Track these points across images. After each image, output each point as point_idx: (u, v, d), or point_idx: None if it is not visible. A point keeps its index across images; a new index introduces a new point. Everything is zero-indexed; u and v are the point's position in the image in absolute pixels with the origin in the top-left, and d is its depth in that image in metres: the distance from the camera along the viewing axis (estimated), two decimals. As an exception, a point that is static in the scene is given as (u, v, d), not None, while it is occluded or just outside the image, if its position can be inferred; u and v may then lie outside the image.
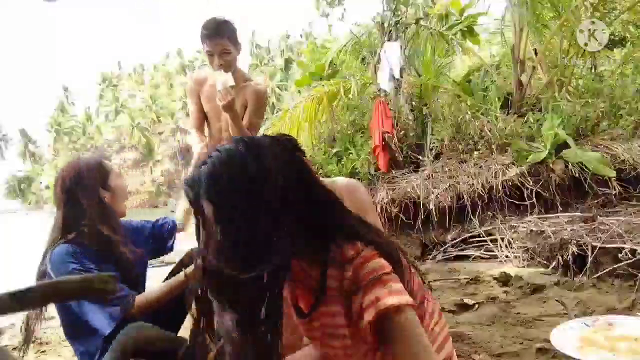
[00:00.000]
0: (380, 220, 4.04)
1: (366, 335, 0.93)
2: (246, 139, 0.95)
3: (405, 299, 0.91)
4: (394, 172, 4.98)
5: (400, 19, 5.61)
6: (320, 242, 0.98)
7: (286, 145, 0.97)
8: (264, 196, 0.89)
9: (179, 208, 2.14)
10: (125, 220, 1.92)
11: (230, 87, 2.37)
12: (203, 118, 2.69)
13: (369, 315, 0.90)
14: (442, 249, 4.28)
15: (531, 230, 3.72)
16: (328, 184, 1.93)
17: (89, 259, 1.66)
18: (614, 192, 3.92)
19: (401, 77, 5.29)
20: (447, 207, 4.30)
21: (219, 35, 2.45)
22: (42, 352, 2.60)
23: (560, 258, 3.26)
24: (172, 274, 1.83)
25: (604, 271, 2.97)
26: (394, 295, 0.90)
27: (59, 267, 1.62)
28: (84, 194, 1.69)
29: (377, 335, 0.93)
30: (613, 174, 3.89)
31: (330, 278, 0.98)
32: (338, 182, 1.93)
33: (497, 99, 5.16)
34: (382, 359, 0.97)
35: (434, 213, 4.33)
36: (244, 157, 0.91)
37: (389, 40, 5.44)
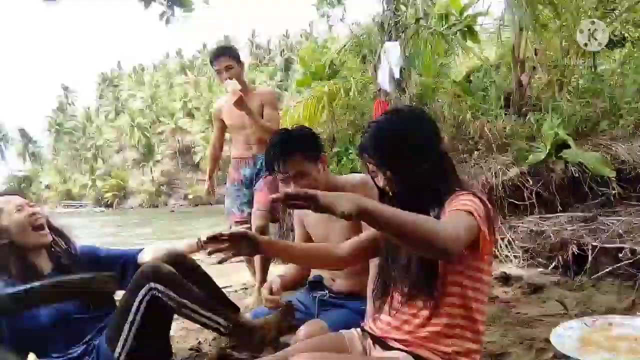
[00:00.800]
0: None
1: None
2: (406, 109, 1.40)
3: (478, 217, 1.14)
4: (394, 172, 4.97)
5: (400, 19, 5.61)
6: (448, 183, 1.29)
7: (431, 118, 1.39)
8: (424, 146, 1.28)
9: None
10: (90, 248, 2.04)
11: (237, 90, 2.88)
12: (222, 137, 3.42)
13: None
14: (442, 249, 4.26)
15: (531, 230, 3.72)
16: (342, 181, 1.99)
17: None
18: (613, 192, 3.91)
19: (401, 77, 5.29)
20: (447, 207, 4.29)
21: (223, 55, 3.06)
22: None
23: (560, 258, 3.25)
24: None
25: (604, 271, 2.97)
26: (471, 207, 1.15)
27: None
28: None
29: None
30: (613, 174, 3.88)
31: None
32: (352, 179, 1.93)
33: (497, 99, 5.16)
34: None
35: (434, 213, 4.32)
36: (411, 122, 1.32)
37: (389, 40, 5.43)
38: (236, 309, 1.89)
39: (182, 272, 1.78)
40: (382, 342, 1.31)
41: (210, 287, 1.90)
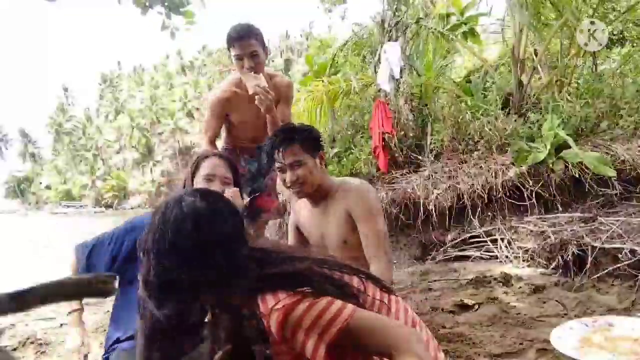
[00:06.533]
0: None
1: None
2: (193, 200, 1.06)
3: (344, 312, 0.95)
4: (394, 173, 4.98)
5: (401, 18, 5.60)
6: (246, 293, 1.03)
7: (223, 209, 1.08)
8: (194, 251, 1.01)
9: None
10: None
11: (265, 89, 2.35)
12: (219, 132, 2.76)
13: (322, 351, 0.95)
14: (442, 249, 4.27)
15: (531, 231, 3.72)
16: (338, 182, 1.97)
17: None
18: (614, 192, 3.91)
19: (401, 77, 5.29)
20: (447, 207, 4.30)
21: (248, 38, 2.45)
22: (42, 352, 2.60)
23: (560, 258, 3.25)
24: None
25: (604, 271, 2.97)
26: (332, 323, 0.94)
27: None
28: None
29: (344, 349, 0.97)
30: (614, 173, 3.88)
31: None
32: (349, 182, 1.93)
33: (497, 99, 5.15)
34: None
35: (434, 213, 4.33)
36: (186, 218, 1.03)
37: (389, 40, 5.43)
38: None
39: None
40: None
41: None
